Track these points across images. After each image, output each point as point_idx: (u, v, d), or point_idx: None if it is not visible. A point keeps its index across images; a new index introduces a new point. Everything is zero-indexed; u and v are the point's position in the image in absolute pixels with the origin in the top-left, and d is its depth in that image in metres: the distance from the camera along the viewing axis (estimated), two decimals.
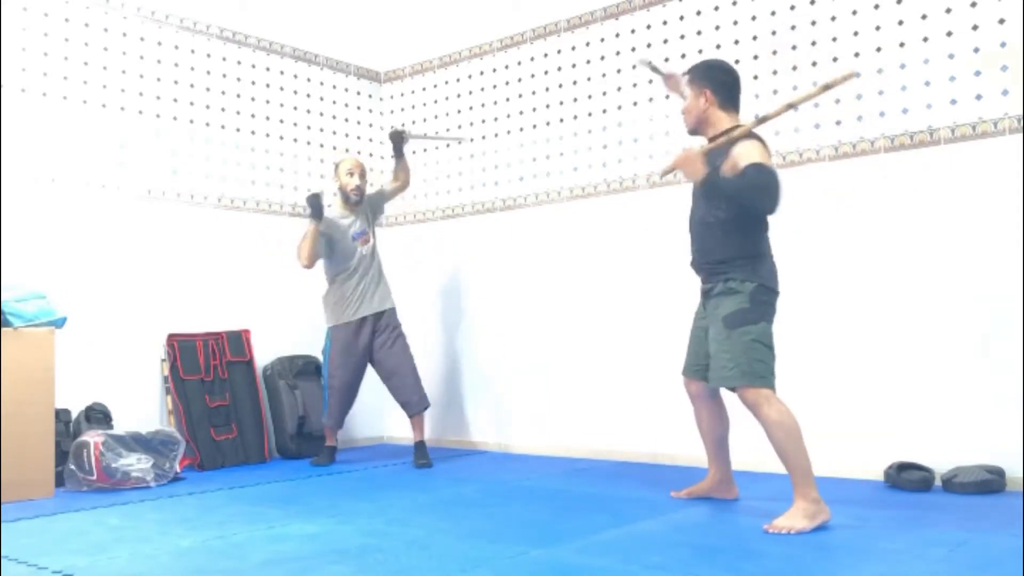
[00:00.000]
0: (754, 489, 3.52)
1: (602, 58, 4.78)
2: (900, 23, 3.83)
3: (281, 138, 5.31)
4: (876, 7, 3.90)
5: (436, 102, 5.59)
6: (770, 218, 3.04)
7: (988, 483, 3.37)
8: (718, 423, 3.33)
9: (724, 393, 3.23)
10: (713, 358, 3.04)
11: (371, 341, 4.59)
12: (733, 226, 3.02)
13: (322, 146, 5.50)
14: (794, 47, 4.14)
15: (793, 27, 4.13)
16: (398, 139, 4.68)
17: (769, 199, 2.86)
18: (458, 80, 5.46)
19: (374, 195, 4.80)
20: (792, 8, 4.13)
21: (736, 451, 3.45)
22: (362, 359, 4.61)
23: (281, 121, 5.31)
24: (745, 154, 2.91)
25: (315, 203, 4.43)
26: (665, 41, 4.55)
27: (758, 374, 2.92)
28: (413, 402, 4.58)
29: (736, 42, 4.30)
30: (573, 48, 4.91)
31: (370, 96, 5.83)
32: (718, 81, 3.12)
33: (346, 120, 5.67)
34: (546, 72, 5.03)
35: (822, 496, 2.87)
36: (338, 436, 4.75)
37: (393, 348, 4.58)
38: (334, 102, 5.61)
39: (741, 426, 4.13)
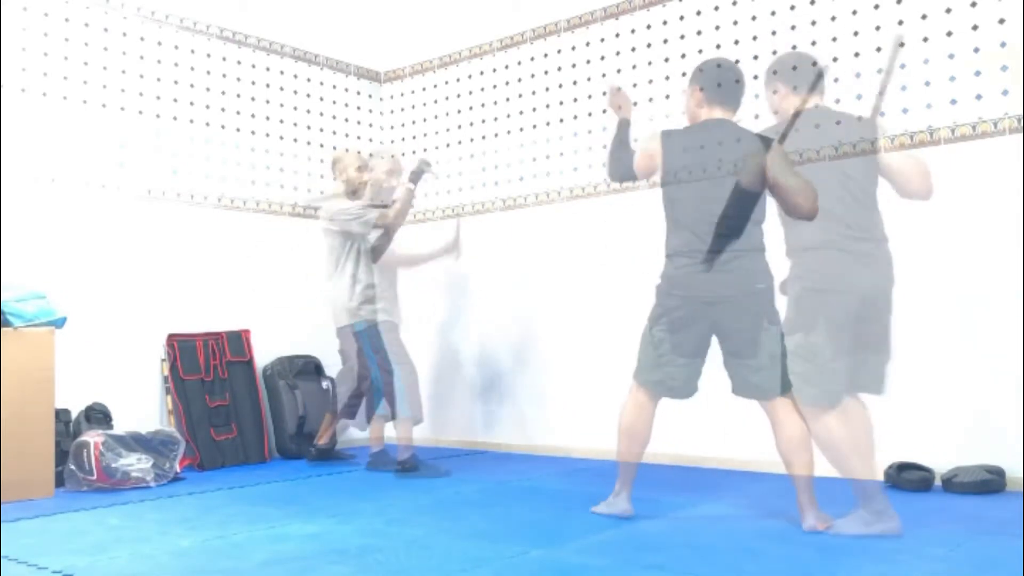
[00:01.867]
0: (754, 489, 3.52)
1: (602, 58, 4.78)
2: (900, 23, 3.83)
3: (281, 138, 5.31)
4: (876, 7, 3.89)
5: (436, 102, 5.59)
6: (771, 219, 3.03)
7: (988, 483, 3.37)
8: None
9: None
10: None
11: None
12: None
13: (322, 146, 5.50)
14: (794, 47, 4.13)
15: (793, 27, 4.13)
16: (419, 173, 4.44)
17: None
18: (458, 80, 5.46)
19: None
20: (792, 8, 4.13)
21: (733, 451, 3.44)
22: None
23: (281, 121, 5.31)
24: (780, 162, 2.89)
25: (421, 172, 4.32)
26: (665, 41, 4.55)
27: (790, 386, 2.86)
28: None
29: (736, 42, 4.30)
30: (573, 48, 4.91)
31: (370, 96, 5.83)
32: (707, 79, 3.12)
33: (346, 120, 5.67)
34: (546, 72, 5.03)
35: (822, 495, 2.90)
36: (337, 437, 4.75)
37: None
38: (334, 102, 5.61)
39: (741, 425, 4.12)
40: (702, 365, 2.98)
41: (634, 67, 4.65)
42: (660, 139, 3.05)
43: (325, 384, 5.06)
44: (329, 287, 4.30)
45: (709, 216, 2.89)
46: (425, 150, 5.64)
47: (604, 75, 4.77)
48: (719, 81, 3.11)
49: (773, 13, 4.19)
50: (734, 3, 4.31)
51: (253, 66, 5.19)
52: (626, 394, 3.03)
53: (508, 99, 5.20)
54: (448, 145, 5.50)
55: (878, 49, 3.88)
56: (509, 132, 5.18)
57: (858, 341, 2.82)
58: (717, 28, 4.36)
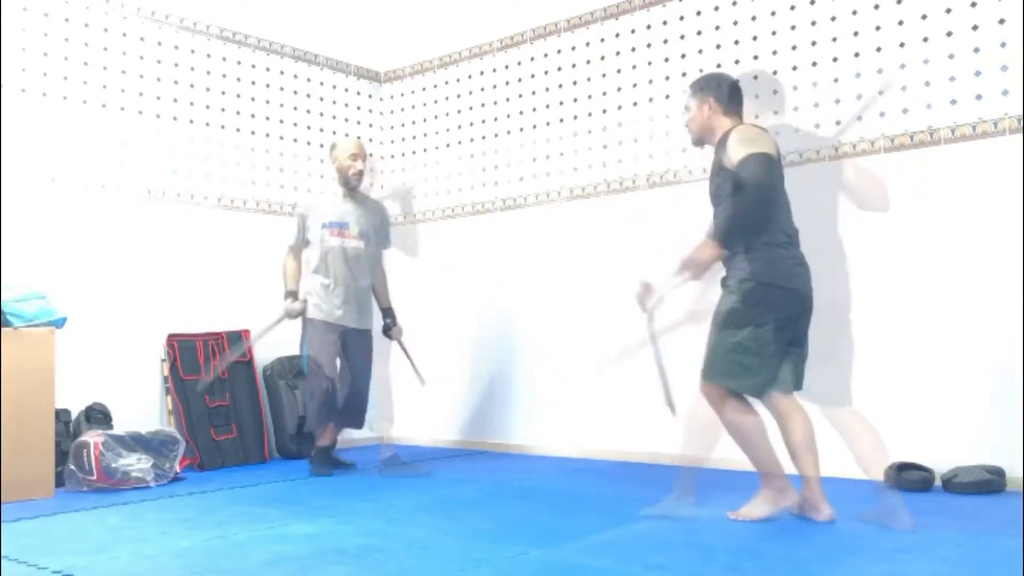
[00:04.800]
0: (753, 489, 3.52)
1: (602, 58, 4.78)
2: (900, 23, 3.83)
3: (281, 138, 5.31)
4: (876, 7, 3.90)
5: (436, 102, 5.59)
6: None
7: (988, 483, 3.37)
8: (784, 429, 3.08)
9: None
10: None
11: (344, 347, 4.36)
12: None
13: (322, 146, 5.50)
14: (794, 47, 4.14)
15: (793, 27, 4.13)
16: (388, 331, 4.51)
17: (754, 194, 2.82)
18: (458, 80, 5.46)
19: (387, 220, 4.57)
20: (792, 8, 4.13)
21: (733, 451, 3.42)
22: (336, 357, 4.38)
23: (281, 121, 5.31)
24: (736, 143, 2.92)
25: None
26: (665, 41, 4.55)
27: (729, 377, 2.94)
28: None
29: (736, 42, 4.30)
30: (573, 48, 4.91)
31: (370, 96, 5.83)
32: (719, 90, 3.14)
33: (346, 120, 5.67)
34: (546, 72, 5.03)
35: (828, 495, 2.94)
36: (336, 437, 4.73)
37: (360, 368, 4.37)
38: (334, 102, 5.61)
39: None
40: None
41: (634, 67, 4.66)
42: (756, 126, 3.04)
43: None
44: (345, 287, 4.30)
45: (790, 216, 3.03)
46: (425, 150, 5.64)
47: (604, 75, 4.77)
48: (730, 92, 3.15)
49: (773, 13, 4.19)
50: (734, 3, 4.31)
51: (253, 66, 5.19)
52: (734, 407, 2.93)
53: (508, 99, 5.20)
54: (448, 145, 5.50)
55: (878, 49, 3.88)
56: (509, 132, 5.18)
57: (793, 339, 2.99)
58: (717, 28, 4.36)
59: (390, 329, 4.50)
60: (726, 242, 2.88)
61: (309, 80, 5.48)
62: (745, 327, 2.89)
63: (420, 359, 4.67)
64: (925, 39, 3.76)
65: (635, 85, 4.65)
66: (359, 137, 5.68)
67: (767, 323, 2.89)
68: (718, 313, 2.97)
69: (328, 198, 4.47)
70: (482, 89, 5.33)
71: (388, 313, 4.50)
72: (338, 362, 4.32)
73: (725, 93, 3.12)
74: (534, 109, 5.07)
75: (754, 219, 2.87)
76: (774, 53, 4.19)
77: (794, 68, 4.13)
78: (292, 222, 4.47)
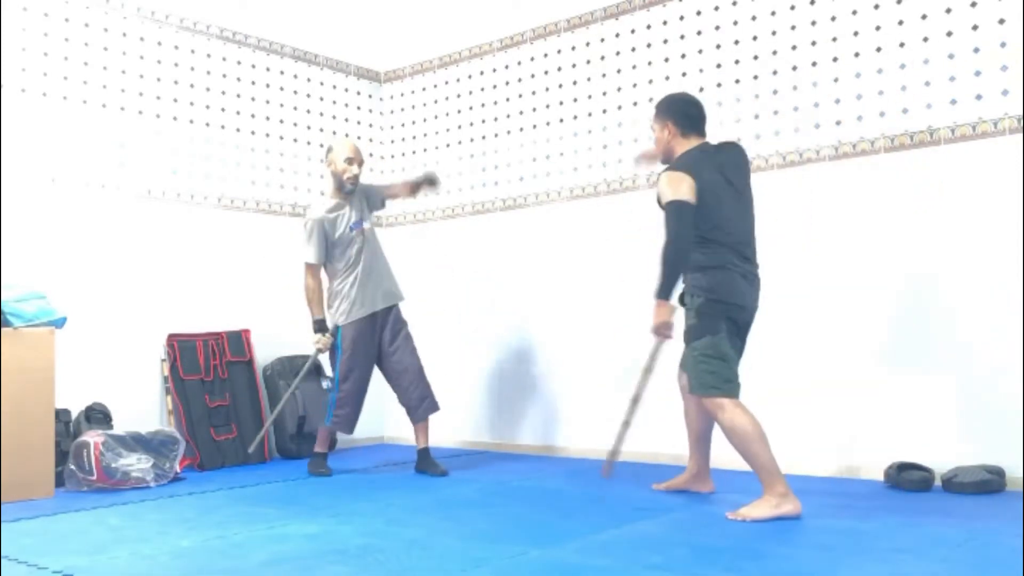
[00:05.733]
0: (754, 489, 3.52)
1: (602, 58, 4.78)
2: (900, 23, 3.83)
3: (281, 138, 5.31)
4: (876, 7, 3.90)
5: (436, 102, 5.59)
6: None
7: (988, 483, 3.37)
8: (701, 418, 3.43)
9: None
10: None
11: (381, 339, 4.33)
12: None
13: (322, 146, 5.50)
14: (794, 47, 4.14)
15: (793, 27, 4.13)
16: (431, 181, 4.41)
17: (671, 241, 3.08)
18: (458, 80, 5.46)
19: (369, 187, 4.48)
20: (792, 8, 4.13)
21: (734, 451, 3.43)
22: (373, 357, 4.35)
23: (281, 121, 5.31)
24: (661, 187, 3.14)
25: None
26: (665, 41, 4.55)
27: (709, 384, 3.11)
28: (417, 407, 4.33)
29: (736, 42, 4.30)
30: (573, 48, 4.91)
31: (370, 96, 5.83)
32: (677, 112, 3.28)
33: (346, 120, 5.67)
34: (546, 72, 5.03)
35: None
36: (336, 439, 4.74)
37: (402, 349, 4.32)
38: (334, 102, 5.61)
39: None
40: None
41: (634, 67, 4.66)
42: (688, 173, 3.13)
43: (325, 384, 5.05)
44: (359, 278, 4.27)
45: (743, 232, 3.20)
46: (425, 150, 5.64)
47: (604, 75, 4.77)
48: (687, 113, 3.28)
49: (773, 13, 4.19)
50: (734, 3, 4.31)
51: (253, 66, 5.19)
52: (727, 412, 3.06)
53: (508, 99, 5.20)
54: (448, 145, 5.50)
55: (878, 49, 3.88)
56: (509, 132, 5.18)
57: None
58: (717, 28, 4.36)
59: (430, 182, 4.39)
60: (662, 294, 3.11)
61: (309, 80, 5.48)
62: (703, 337, 3.12)
63: (421, 358, 4.65)
64: (925, 39, 3.76)
65: (635, 85, 4.65)
66: (359, 138, 5.68)
67: (720, 331, 3.10)
68: (684, 331, 3.21)
69: (328, 201, 4.33)
70: (482, 89, 5.33)
71: (420, 182, 4.40)
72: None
73: (683, 115, 3.27)
74: (534, 109, 5.07)
75: (674, 264, 3.08)
76: (774, 53, 4.19)
77: (794, 68, 4.13)
78: (306, 238, 4.25)
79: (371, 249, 4.33)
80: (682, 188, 3.06)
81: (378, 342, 4.32)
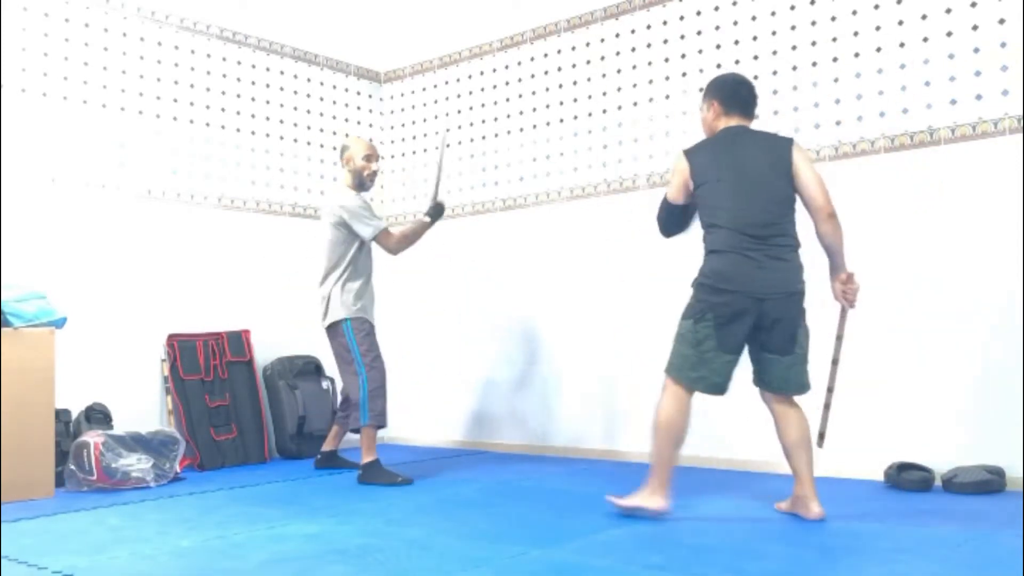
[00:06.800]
0: (754, 489, 3.52)
1: (602, 58, 4.78)
2: (900, 23, 3.83)
3: (281, 138, 5.31)
4: (876, 7, 3.90)
5: (436, 102, 5.59)
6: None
7: (988, 483, 3.37)
8: (782, 428, 3.07)
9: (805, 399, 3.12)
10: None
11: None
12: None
13: (322, 146, 5.50)
14: (794, 47, 4.14)
15: (793, 27, 4.13)
16: (438, 210, 4.23)
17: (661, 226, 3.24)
18: (458, 80, 5.46)
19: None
20: (792, 8, 4.13)
21: (734, 451, 3.44)
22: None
23: (281, 121, 5.31)
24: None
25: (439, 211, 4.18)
26: (665, 41, 4.55)
27: (674, 365, 3.02)
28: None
29: (736, 42, 4.30)
30: (573, 48, 4.91)
31: (370, 96, 5.83)
32: (721, 91, 3.19)
33: (346, 120, 5.67)
34: (546, 72, 5.03)
35: (821, 495, 2.97)
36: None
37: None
38: (334, 102, 5.61)
39: (742, 425, 4.13)
40: (738, 361, 3.02)
41: (634, 67, 4.66)
42: (684, 156, 3.13)
43: (325, 384, 5.07)
44: (362, 284, 4.14)
45: (751, 214, 2.98)
46: (425, 150, 5.64)
47: (604, 75, 4.77)
48: (734, 93, 3.18)
49: (773, 13, 4.19)
50: (734, 3, 4.31)
51: (253, 66, 5.19)
52: (661, 392, 3.02)
53: (508, 99, 5.20)
54: (448, 145, 5.50)
55: (878, 49, 3.88)
56: (509, 132, 5.18)
57: (765, 344, 3.04)
58: (717, 28, 4.36)
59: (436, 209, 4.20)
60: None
61: (309, 80, 5.48)
62: (688, 319, 3.02)
63: (421, 358, 4.65)
64: (925, 39, 3.76)
65: (635, 85, 4.65)
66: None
67: (706, 319, 2.96)
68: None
69: (358, 196, 4.18)
70: (482, 89, 5.33)
71: (430, 215, 4.18)
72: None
73: (726, 95, 3.17)
74: (534, 109, 5.07)
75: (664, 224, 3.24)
76: (774, 53, 4.19)
77: (794, 68, 4.13)
78: (368, 215, 4.07)
79: (371, 257, 4.22)
80: (672, 180, 3.16)
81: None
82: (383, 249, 4.16)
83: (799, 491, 2.98)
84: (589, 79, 4.84)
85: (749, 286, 2.93)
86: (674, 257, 3.86)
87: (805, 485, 2.97)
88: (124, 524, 3.11)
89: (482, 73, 5.34)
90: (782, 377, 3.01)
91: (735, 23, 4.31)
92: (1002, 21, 3.58)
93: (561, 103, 4.95)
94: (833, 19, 4.01)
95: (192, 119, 4.88)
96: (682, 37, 4.49)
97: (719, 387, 2.99)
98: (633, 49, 4.67)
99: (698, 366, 2.97)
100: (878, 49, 3.88)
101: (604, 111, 4.77)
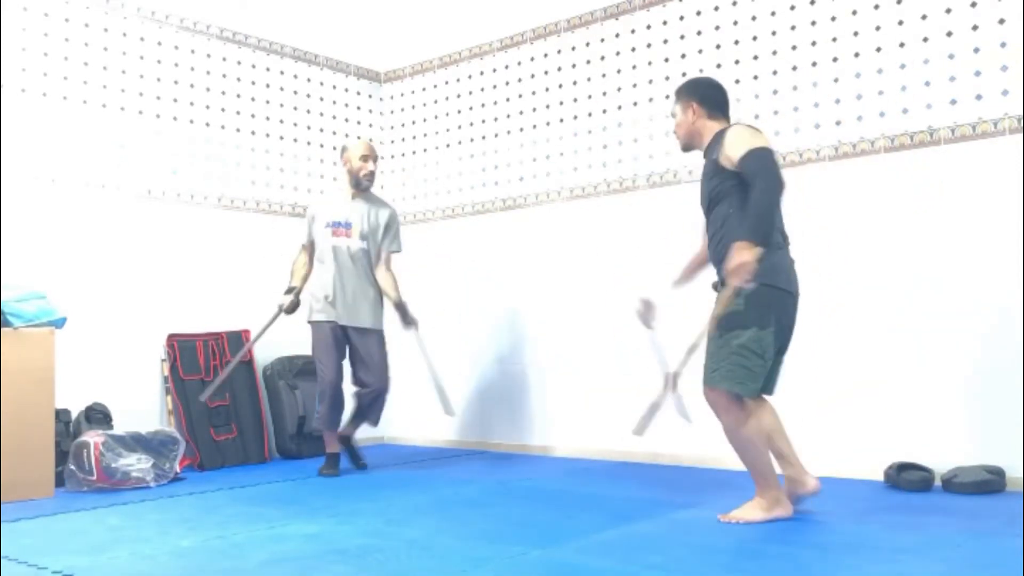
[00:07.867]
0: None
1: (602, 58, 4.78)
2: (900, 23, 3.83)
3: (281, 138, 5.31)
4: (876, 7, 3.90)
5: (436, 102, 5.59)
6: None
7: (988, 483, 3.37)
8: (762, 418, 3.05)
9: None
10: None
11: (346, 339, 4.35)
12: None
13: (322, 146, 5.50)
14: (794, 47, 4.14)
15: (793, 27, 4.13)
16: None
17: (769, 185, 2.78)
18: (458, 80, 5.46)
19: (389, 226, 4.40)
20: (792, 8, 4.13)
21: (734, 452, 3.42)
22: (343, 353, 4.36)
23: (281, 121, 5.31)
24: (734, 142, 2.90)
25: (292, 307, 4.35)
26: (665, 41, 4.55)
27: (738, 380, 2.87)
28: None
29: (736, 42, 4.30)
30: (573, 48, 4.91)
31: (370, 96, 5.83)
32: (702, 94, 3.12)
33: (346, 120, 5.67)
34: (546, 72, 5.03)
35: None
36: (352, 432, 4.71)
37: (371, 359, 4.34)
38: (334, 102, 5.61)
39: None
40: None
41: (634, 67, 4.66)
42: (751, 127, 3.00)
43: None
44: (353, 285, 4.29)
45: (780, 212, 2.93)
46: (425, 150, 5.64)
47: (604, 75, 4.77)
48: (719, 95, 3.13)
49: (773, 13, 4.19)
50: (734, 3, 4.31)
51: (253, 66, 5.19)
52: (722, 413, 2.91)
53: (508, 99, 5.20)
54: (448, 145, 5.50)
55: (878, 49, 3.88)
56: (509, 132, 5.18)
57: (782, 345, 2.99)
58: (717, 28, 4.36)
59: (405, 324, 4.41)
60: (759, 238, 2.73)
61: (309, 80, 5.48)
62: (749, 328, 2.84)
63: (420, 358, 4.65)
64: (925, 39, 3.76)
65: (635, 85, 4.65)
66: (359, 138, 5.68)
67: (769, 325, 2.86)
68: (717, 316, 2.90)
69: (336, 197, 4.44)
70: (482, 89, 5.33)
71: (399, 308, 4.37)
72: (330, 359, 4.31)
73: (708, 96, 3.11)
74: (534, 109, 5.07)
75: (771, 208, 2.79)
76: (774, 53, 4.19)
77: (794, 68, 4.13)
78: (303, 223, 4.51)
79: (350, 259, 4.29)
80: (760, 139, 2.87)
81: (344, 341, 4.34)
82: None
83: (790, 472, 2.98)
84: (589, 79, 4.84)
85: (796, 288, 2.94)
86: (674, 257, 3.85)
87: (794, 464, 2.97)
88: (124, 524, 3.11)
89: (482, 73, 5.34)
90: (773, 377, 3.02)
91: (735, 23, 4.31)
92: (1002, 21, 3.58)
93: (561, 103, 4.95)
94: (833, 19, 4.01)
95: (192, 119, 4.88)
96: (682, 37, 4.49)
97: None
98: (633, 49, 4.67)
99: (762, 376, 2.88)
100: (878, 49, 3.88)
101: (604, 111, 4.77)
